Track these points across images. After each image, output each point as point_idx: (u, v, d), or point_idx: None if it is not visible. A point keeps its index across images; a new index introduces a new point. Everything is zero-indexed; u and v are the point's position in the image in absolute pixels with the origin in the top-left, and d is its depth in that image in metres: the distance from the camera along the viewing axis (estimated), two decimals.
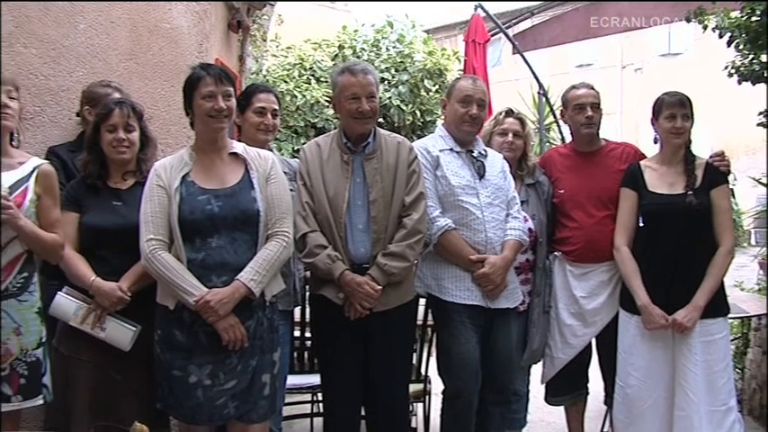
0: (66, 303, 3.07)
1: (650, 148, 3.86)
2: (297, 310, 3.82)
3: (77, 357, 3.09)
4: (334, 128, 7.97)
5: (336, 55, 7.96)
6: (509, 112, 4.06)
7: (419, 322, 3.84)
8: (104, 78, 3.85)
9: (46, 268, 3.13)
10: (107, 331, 3.07)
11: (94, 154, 3.20)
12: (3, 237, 2.87)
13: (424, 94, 7.82)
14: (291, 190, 3.30)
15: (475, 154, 3.70)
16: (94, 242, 3.13)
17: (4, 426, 2.80)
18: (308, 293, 3.68)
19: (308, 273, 3.64)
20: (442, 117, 4.00)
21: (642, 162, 3.79)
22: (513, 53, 8.44)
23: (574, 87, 4.05)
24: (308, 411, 4.34)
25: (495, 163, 3.76)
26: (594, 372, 4.06)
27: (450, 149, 3.68)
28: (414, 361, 3.97)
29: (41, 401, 2.97)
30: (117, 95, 3.61)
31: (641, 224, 3.68)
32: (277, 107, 3.65)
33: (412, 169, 3.39)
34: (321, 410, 4.41)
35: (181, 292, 2.88)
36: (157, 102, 4.03)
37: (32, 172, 2.99)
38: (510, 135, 3.97)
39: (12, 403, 2.87)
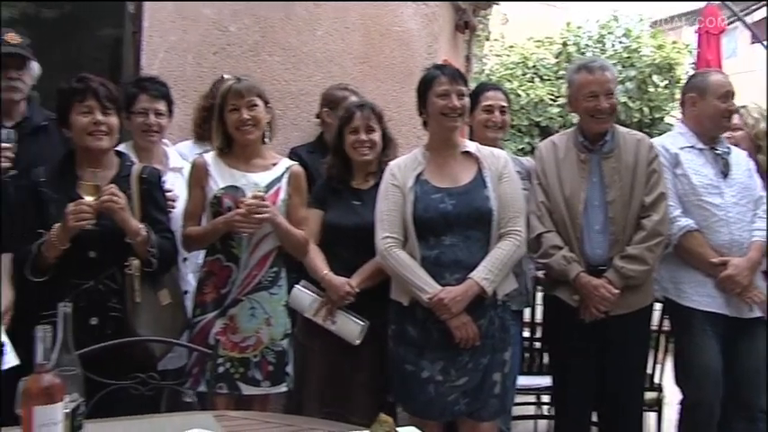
0: (302, 296, 3.22)
1: None
2: (526, 311, 3.79)
3: (311, 347, 3.26)
4: (559, 126, 7.90)
5: (560, 52, 7.85)
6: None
7: (653, 327, 3.68)
8: (340, 81, 4.03)
9: (286, 261, 3.31)
10: (337, 324, 3.18)
11: (338, 156, 3.32)
12: (257, 233, 3.05)
13: (652, 89, 7.49)
14: (524, 189, 3.27)
15: (718, 151, 3.48)
16: (332, 239, 3.27)
17: (254, 407, 2.98)
18: (538, 294, 3.64)
19: (539, 273, 3.60)
20: (674, 113, 3.83)
21: None
22: (752, 42, 7.88)
23: None
24: (532, 413, 4.30)
25: (741, 161, 3.52)
26: None
27: (692, 147, 3.49)
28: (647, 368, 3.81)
29: (285, 389, 3.13)
30: (353, 98, 3.75)
31: None
32: (505, 104, 3.64)
33: (652, 168, 3.26)
34: (545, 413, 4.37)
35: (415, 289, 2.93)
36: (389, 103, 4.13)
37: (284, 173, 3.16)
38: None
39: (261, 388, 3.06)
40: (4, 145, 2.97)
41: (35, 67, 3.28)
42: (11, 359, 2.49)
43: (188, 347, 2.91)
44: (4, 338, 2.57)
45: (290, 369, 3.15)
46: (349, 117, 3.29)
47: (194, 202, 3.13)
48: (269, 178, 3.12)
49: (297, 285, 3.24)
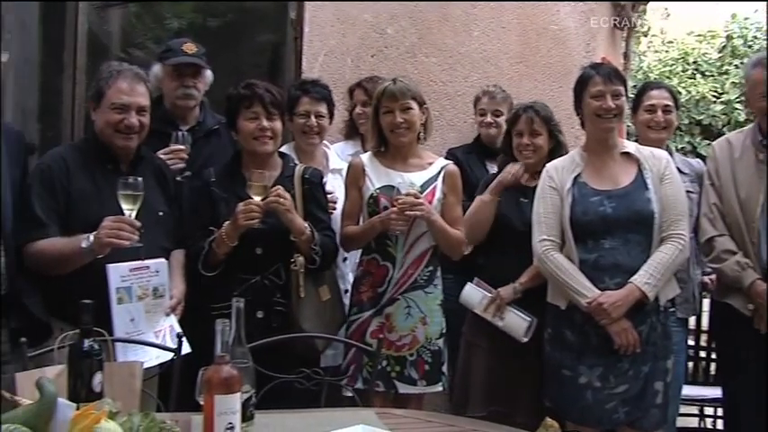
0: (473, 293, 3.26)
1: None
2: (691, 318, 3.63)
3: (478, 344, 3.27)
4: (722, 125, 7.50)
5: (724, 46, 7.45)
6: None
7: None
8: (496, 82, 4.02)
9: (442, 262, 3.33)
10: (505, 320, 3.19)
11: (509, 156, 3.34)
12: (412, 232, 3.09)
13: None
14: (689, 191, 3.15)
15: None
16: (498, 232, 3.27)
17: (409, 406, 3.01)
18: (704, 300, 3.49)
19: (705, 278, 3.45)
20: None
21: None
22: None
23: None
24: (695, 426, 4.11)
25: None
26: None
27: None
28: None
29: (440, 388, 3.15)
30: (495, 97, 3.81)
31: None
32: (670, 104, 3.53)
33: None
34: (708, 426, 4.17)
35: (573, 293, 2.88)
36: (547, 103, 4.08)
37: (440, 172, 3.18)
38: None
39: (417, 387, 3.09)
40: (178, 147, 3.15)
41: (209, 74, 3.44)
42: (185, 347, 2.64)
43: (353, 345, 2.98)
44: (179, 329, 2.73)
45: (445, 369, 3.17)
46: (514, 119, 3.30)
47: (352, 202, 3.20)
48: (424, 177, 3.15)
49: (469, 283, 3.28)
